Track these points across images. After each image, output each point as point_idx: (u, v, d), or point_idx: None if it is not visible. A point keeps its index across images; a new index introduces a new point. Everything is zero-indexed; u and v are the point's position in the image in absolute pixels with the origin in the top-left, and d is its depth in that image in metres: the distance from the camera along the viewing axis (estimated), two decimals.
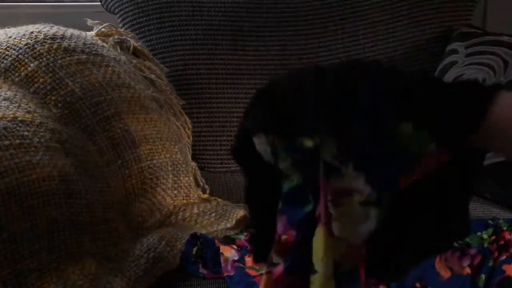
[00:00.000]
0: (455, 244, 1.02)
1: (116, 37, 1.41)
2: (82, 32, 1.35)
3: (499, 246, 1.05)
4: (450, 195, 0.70)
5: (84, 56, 1.24)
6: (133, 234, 1.14)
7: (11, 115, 1.02)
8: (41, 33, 1.24)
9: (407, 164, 0.65)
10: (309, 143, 0.65)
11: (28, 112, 1.06)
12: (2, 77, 1.16)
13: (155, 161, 1.23)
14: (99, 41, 1.35)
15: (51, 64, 1.19)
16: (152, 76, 1.41)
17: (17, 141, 0.96)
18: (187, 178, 1.30)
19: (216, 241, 1.09)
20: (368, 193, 0.68)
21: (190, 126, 1.48)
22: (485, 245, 1.07)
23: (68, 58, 1.22)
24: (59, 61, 1.20)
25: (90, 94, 1.19)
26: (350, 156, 0.65)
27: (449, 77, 1.53)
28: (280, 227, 0.70)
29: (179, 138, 1.35)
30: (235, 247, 1.07)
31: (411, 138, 0.63)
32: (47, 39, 1.23)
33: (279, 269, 0.71)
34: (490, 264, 1.02)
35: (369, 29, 1.65)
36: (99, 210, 1.04)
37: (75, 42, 1.26)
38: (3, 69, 1.17)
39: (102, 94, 1.20)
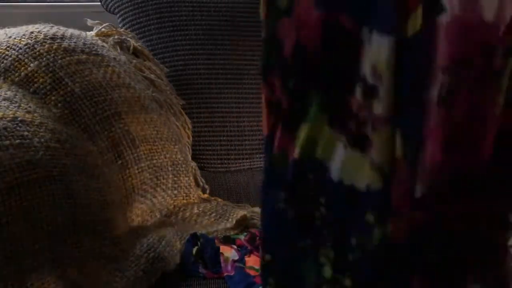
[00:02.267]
0: None
1: (116, 37, 1.41)
2: (82, 32, 1.35)
3: None
4: None
5: (84, 56, 1.24)
6: (133, 234, 1.14)
7: (11, 115, 1.02)
8: (41, 33, 1.24)
9: None
10: None
11: (28, 112, 1.06)
12: (2, 77, 1.16)
13: (155, 161, 1.23)
14: (99, 41, 1.35)
15: (51, 64, 1.19)
16: (152, 76, 1.41)
17: (17, 141, 0.96)
18: (187, 178, 1.30)
19: (216, 241, 1.09)
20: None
21: (190, 126, 1.48)
22: None
23: (68, 58, 1.22)
24: (59, 61, 1.20)
25: (90, 94, 1.19)
26: None
27: None
28: None
29: (179, 138, 1.35)
30: (235, 247, 1.07)
31: None
32: (47, 39, 1.23)
33: None
34: None
35: None
36: (99, 210, 1.04)
37: (75, 42, 1.26)
38: (3, 69, 1.17)
39: (102, 94, 1.20)
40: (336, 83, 0.76)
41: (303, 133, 0.79)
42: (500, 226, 0.75)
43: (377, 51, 0.71)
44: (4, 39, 1.23)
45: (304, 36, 0.76)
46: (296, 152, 0.80)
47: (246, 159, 1.57)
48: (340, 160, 0.76)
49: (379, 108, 0.71)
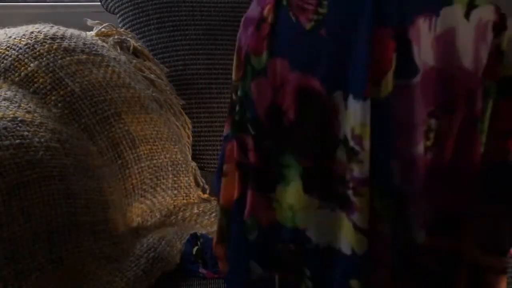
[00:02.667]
0: None
1: (116, 37, 1.41)
2: (82, 32, 1.35)
3: None
4: None
5: (84, 56, 1.24)
6: (133, 234, 1.14)
7: (11, 115, 1.02)
8: (41, 33, 1.24)
9: None
10: None
11: (28, 112, 1.06)
12: (2, 77, 1.16)
13: (155, 161, 1.23)
14: (99, 41, 1.35)
15: (51, 64, 1.19)
16: (152, 76, 1.41)
17: (17, 141, 0.96)
18: (187, 178, 1.30)
19: None
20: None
21: (190, 126, 1.48)
22: None
23: (68, 58, 1.22)
24: (59, 61, 1.20)
25: (90, 94, 1.19)
26: None
27: None
28: None
29: (179, 138, 1.35)
30: None
31: None
32: (47, 39, 1.23)
33: None
34: None
35: None
36: (99, 210, 1.04)
37: (75, 42, 1.26)
38: (3, 69, 1.17)
39: (102, 94, 1.20)
40: (314, 147, 0.75)
41: (282, 197, 0.78)
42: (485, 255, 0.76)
43: (353, 114, 0.71)
44: (4, 39, 1.23)
45: (279, 97, 0.76)
46: (273, 218, 0.78)
47: None
48: (325, 226, 0.75)
49: (359, 170, 0.71)
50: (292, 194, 0.76)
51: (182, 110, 1.46)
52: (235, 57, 0.83)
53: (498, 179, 0.73)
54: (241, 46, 0.82)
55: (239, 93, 0.81)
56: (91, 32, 1.41)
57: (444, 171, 0.71)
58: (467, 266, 0.75)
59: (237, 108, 0.82)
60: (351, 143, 0.71)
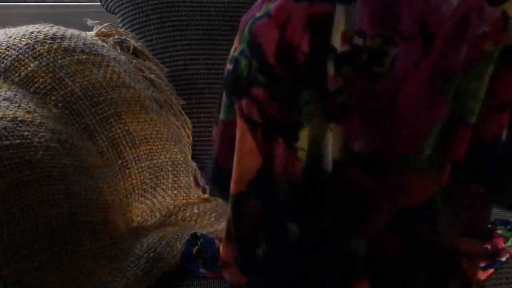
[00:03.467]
0: None
1: (116, 37, 1.41)
2: (82, 32, 1.35)
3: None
4: None
5: (84, 56, 1.24)
6: (133, 234, 1.14)
7: (11, 115, 1.02)
8: (41, 33, 1.24)
9: None
10: None
11: (28, 112, 1.06)
12: (2, 77, 1.16)
13: (155, 161, 1.23)
14: (99, 41, 1.35)
15: (51, 64, 1.19)
16: (152, 76, 1.41)
17: (17, 141, 0.96)
18: (187, 178, 1.30)
19: (216, 241, 1.09)
20: None
21: (190, 126, 1.48)
22: None
23: (68, 58, 1.22)
24: (59, 61, 1.20)
25: (90, 94, 1.19)
26: None
27: None
28: None
29: (179, 138, 1.35)
30: None
31: None
32: (47, 39, 1.23)
33: None
34: None
35: None
36: (99, 210, 1.04)
37: (75, 42, 1.26)
38: (3, 69, 1.17)
39: (102, 94, 1.20)
40: (321, 71, 0.73)
41: (306, 138, 0.74)
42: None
43: (348, 16, 0.71)
44: (4, 39, 1.23)
45: (288, 32, 0.74)
46: (303, 171, 0.75)
47: None
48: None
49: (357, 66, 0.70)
50: (316, 128, 0.73)
51: (182, 110, 1.46)
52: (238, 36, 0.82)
53: (485, 157, 0.71)
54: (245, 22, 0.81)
55: (242, 46, 0.79)
56: (91, 32, 1.41)
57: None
58: (443, 251, 0.73)
59: (243, 63, 0.79)
60: (342, 48, 0.69)
